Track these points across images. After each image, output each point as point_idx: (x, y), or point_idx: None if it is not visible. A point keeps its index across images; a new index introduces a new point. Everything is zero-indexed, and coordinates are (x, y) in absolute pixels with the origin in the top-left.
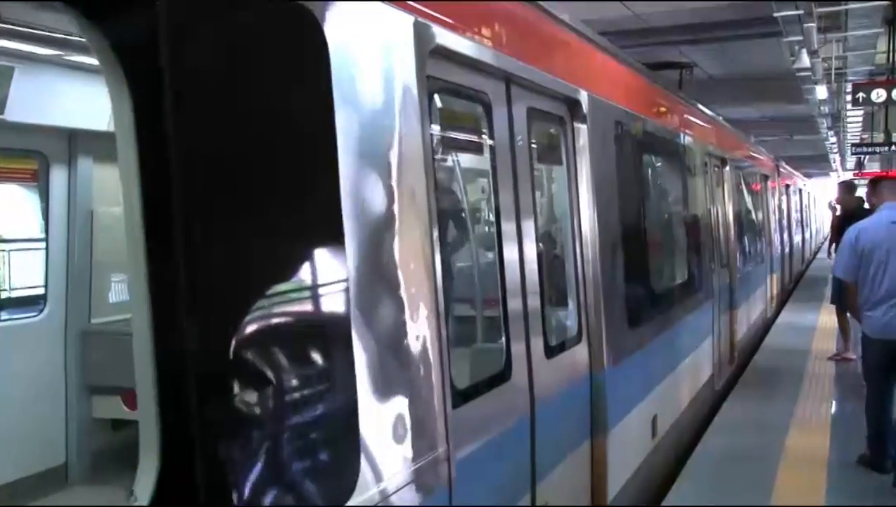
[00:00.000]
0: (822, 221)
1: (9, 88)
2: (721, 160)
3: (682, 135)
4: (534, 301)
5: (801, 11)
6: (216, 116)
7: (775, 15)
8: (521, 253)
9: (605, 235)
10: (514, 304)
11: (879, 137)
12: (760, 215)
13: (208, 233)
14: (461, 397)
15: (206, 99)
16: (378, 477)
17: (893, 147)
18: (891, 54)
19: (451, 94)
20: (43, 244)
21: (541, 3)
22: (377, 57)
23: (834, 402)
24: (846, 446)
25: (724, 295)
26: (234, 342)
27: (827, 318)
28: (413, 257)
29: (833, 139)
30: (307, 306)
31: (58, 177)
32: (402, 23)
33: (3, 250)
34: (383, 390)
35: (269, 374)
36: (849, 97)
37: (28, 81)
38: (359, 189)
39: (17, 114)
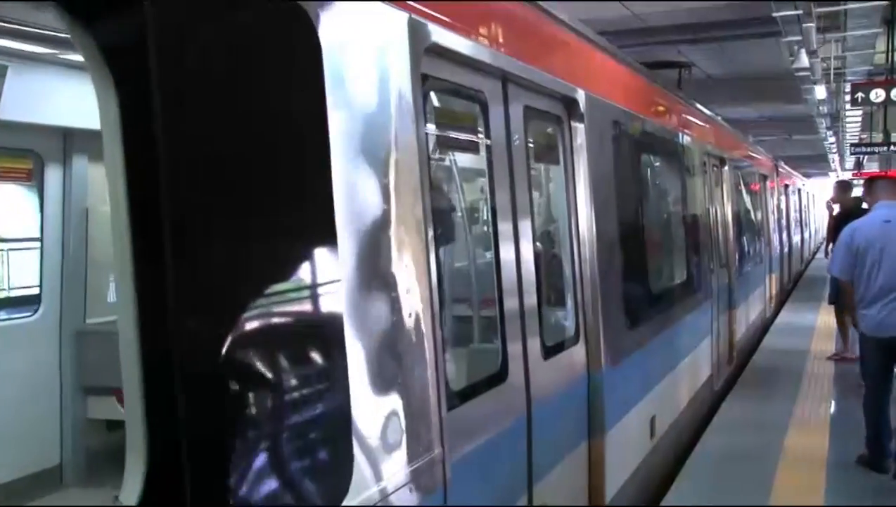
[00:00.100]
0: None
1: (2, 87)
2: (720, 160)
3: (680, 134)
4: (531, 301)
5: (799, 11)
6: (204, 115)
7: (774, 15)
8: (517, 253)
9: (603, 235)
10: (511, 304)
11: (878, 137)
12: (759, 215)
13: (196, 232)
14: (456, 398)
15: (195, 98)
16: (371, 480)
17: (892, 147)
18: (889, 54)
19: (446, 92)
20: (37, 244)
21: (539, 2)
22: (371, 55)
23: (833, 402)
24: (845, 446)
25: (723, 295)
26: (222, 343)
27: (826, 318)
28: (407, 256)
29: (832, 139)
30: (298, 307)
31: (52, 176)
32: (397, 20)
33: (2, 250)
34: (377, 391)
35: (259, 375)
36: (847, 97)
37: (22, 80)
38: (352, 189)
39: (10, 113)
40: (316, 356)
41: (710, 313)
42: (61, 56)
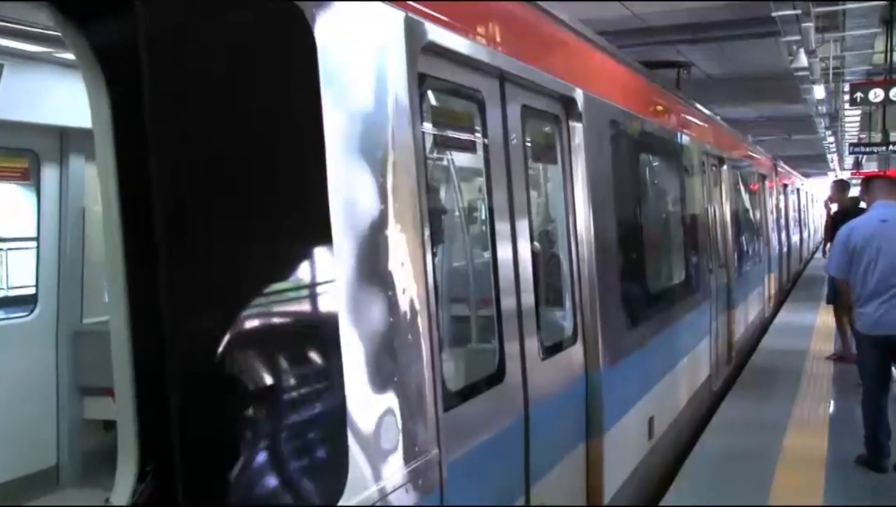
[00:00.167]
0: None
1: None
2: (718, 159)
3: (679, 134)
4: (528, 301)
5: (798, 11)
6: (197, 115)
7: (773, 15)
8: (515, 253)
9: (601, 235)
10: (508, 304)
11: (877, 137)
12: (758, 215)
13: (188, 232)
14: (453, 398)
15: (187, 98)
16: (367, 481)
17: (891, 147)
18: (888, 54)
19: (443, 92)
20: (34, 243)
21: (538, 2)
22: (366, 54)
23: (832, 402)
24: (844, 446)
25: (722, 295)
26: (214, 343)
27: (825, 318)
28: (404, 256)
29: (831, 139)
30: (292, 306)
31: (49, 175)
32: (393, 19)
33: (1, 250)
34: (373, 392)
35: (253, 376)
36: (846, 97)
37: (18, 79)
38: (347, 188)
39: (7, 112)
40: (310, 357)
41: (709, 313)
42: (58, 55)
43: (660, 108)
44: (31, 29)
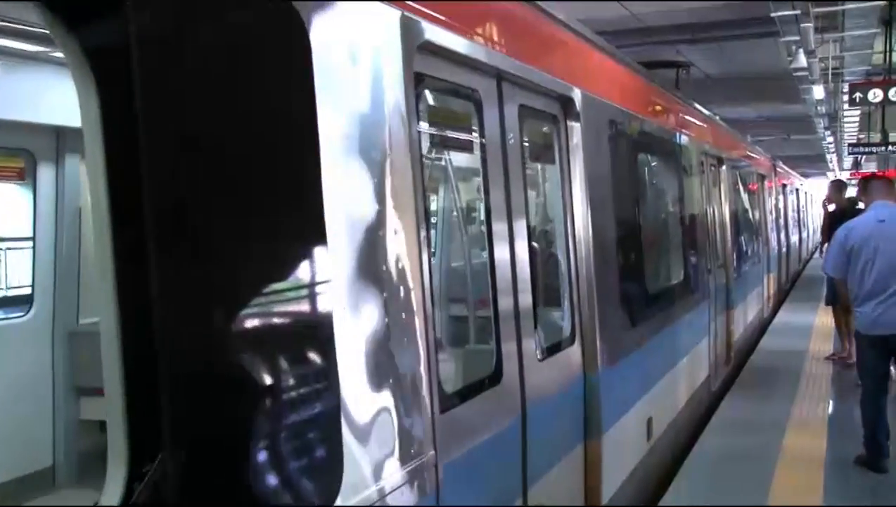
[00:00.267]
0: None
1: None
2: (717, 159)
3: (678, 134)
4: (526, 302)
5: (798, 11)
6: (189, 115)
7: (772, 15)
8: (512, 253)
9: (599, 235)
10: (506, 304)
11: (876, 137)
12: (757, 215)
13: (179, 232)
14: (450, 400)
15: (179, 99)
16: (362, 482)
17: (890, 147)
18: (887, 54)
19: (440, 91)
20: (30, 243)
21: (537, 1)
22: (362, 53)
23: (831, 402)
24: (843, 446)
25: (721, 295)
26: (206, 344)
27: (824, 318)
28: (400, 257)
29: (830, 139)
30: (286, 307)
31: (45, 175)
32: (389, 18)
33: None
34: (368, 393)
35: (245, 376)
36: (846, 97)
37: (14, 78)
38: (342, 188)
39: (2, 111)
40: (305, 357)
41: (708, 314)
42: (54, 55)
43: (658, 108)
44: (26, 28)
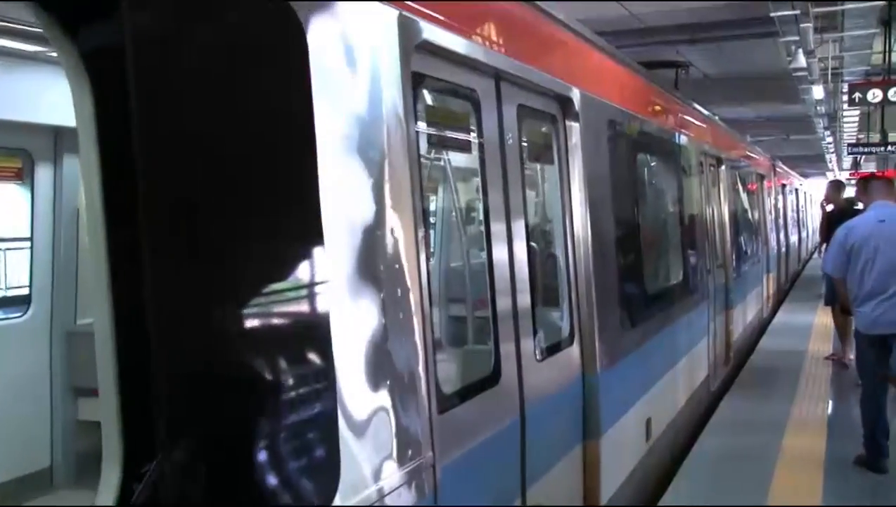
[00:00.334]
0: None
1: None
2: (717, 160)
3: (677, 134)
4: (524, 302)
5: (797, 11)
6: (185, 115)
7: (772, 15)
8: (510, 253)
9: (598, 235)
10: (504, 305)
11: (875, 138)
12: (756, 215)
13: (174, 232)
14: (448, 400)
15: (175, 99)
16: (359, 484)
17: (889, 147)
18: (887, 55)
19: (438, 91)
20: (28, 244)
21: (536, 1)
22: (359, 53)
23: (830, 402)
24: (842, 446)
25: (720, 295)
26: (201, 344)
27: (823, 318)
28: (397, 257)
29: (829, 139)
30: (282, 307)
31: (43, 175)
32: (386, 17)
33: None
34: (365, 394)
35: (241, 377)
36: (845, 97)
37: (12, 78)
38: (339, 188)
39: (0, 111)
40: (301, 358)
41: (707, 314)
42: (52, 54)
43: (658, 108)
44: (24, 28)
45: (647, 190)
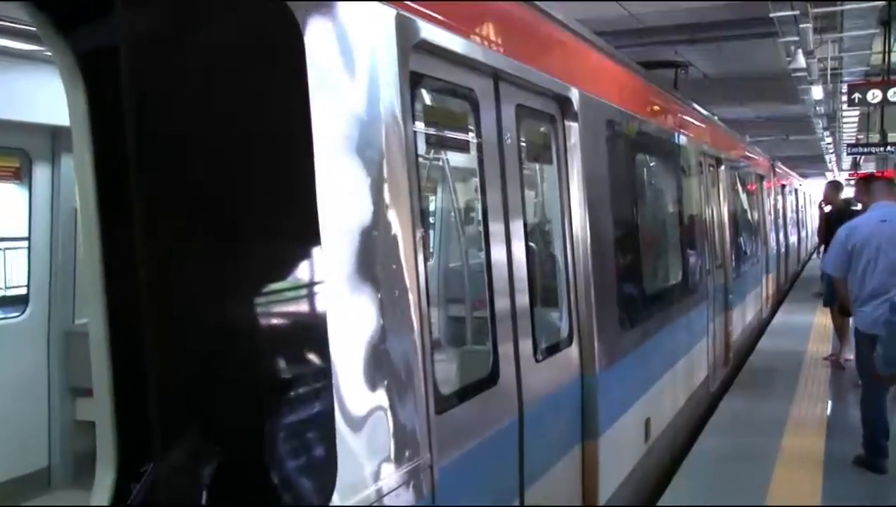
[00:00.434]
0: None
1: None
2: (716, 160)
3: (676, 134)
4: (523, 302)
5: (797, 12)
6: (180, 114)
7: (771, 15)
8: (509, 254)
9: (597, 236)
10: (503, 305)
11: (875, 138)
12: (756, 215)
13: (170, 232)
14: (446, 401)
15: (170, 98)
16: (356, 485)
17: (888, 147)
18: (886, 55)
19: (436, 91)
20: (25, 243)
21: (536, 1)
22: (357, 52)
23: (830, 402)
24: (842, 446)
25: (720, 296)
26: (196, 344)
27: (823, 319)
28: (395, 257)
29: (829, 140)
30: (279, 307)
31: (41, 175)
32: (384, 17)
33: None
34: (362, 395)
35: (237, 378)
36: (844, 98)
37: (9, 77)
38: (337, 188)
39: None
40: (298, 359)
41: (706, 314)
42: (49, 53)
43: (657, 108)
44: (22, 27)
45: (646, 190)
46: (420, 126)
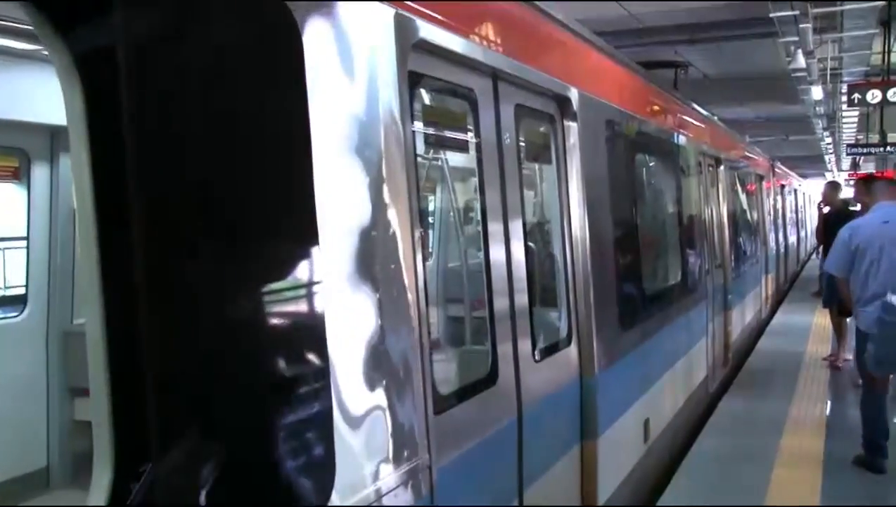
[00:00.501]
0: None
1: None
2: (715, 160)
3: (675, 134)
4: (522, 302)
5: (796, 12)
6: (178, 114)
7: (771, 15)
8: (508, 254)
9: (596, 236)
10: (501, 305)
11: (875, 138)
12: (755, 216)
13: (167, 232)
14: (445, 401)
15: (168, 98)
16: (355, 485)
17: (888, 148)
18: (886, 55)
19: (435, 90)
20: (24, 243)
21: (535, 1)
22: (356, 52)
23: (829, 403)
24: (841, 446)
25: (719, 296)
26: (193, 344)
27: (822, 319)
28: (393, 257)
29: (828, 140)
30: (277, 308)
31: (39, 174)
32: (383, 16)
33: None
34: (360, 395)
35: (235, 378)
36: (844, 98)
37: (8, 77)
38: (335, 188)
39: None
40: (296, 358)
41: (706, 315)
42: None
43: (656, 108)
44: (21, 27)
45: (645, 190)
46: (419, 126)
